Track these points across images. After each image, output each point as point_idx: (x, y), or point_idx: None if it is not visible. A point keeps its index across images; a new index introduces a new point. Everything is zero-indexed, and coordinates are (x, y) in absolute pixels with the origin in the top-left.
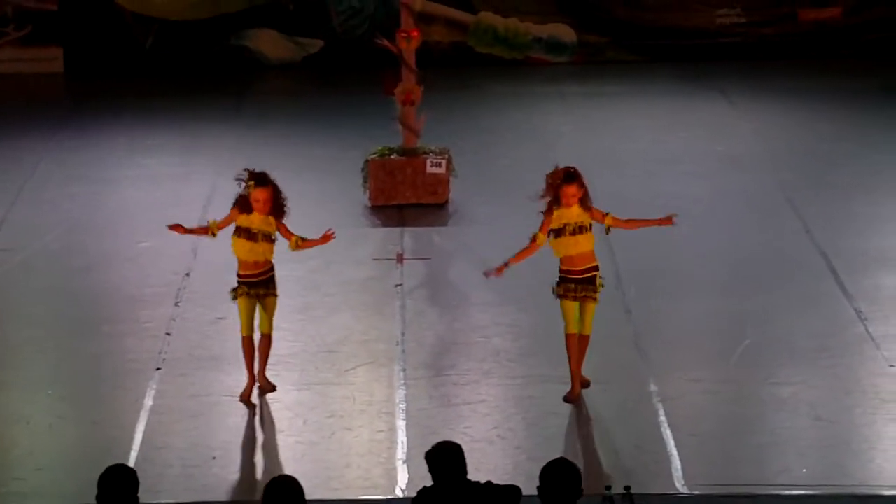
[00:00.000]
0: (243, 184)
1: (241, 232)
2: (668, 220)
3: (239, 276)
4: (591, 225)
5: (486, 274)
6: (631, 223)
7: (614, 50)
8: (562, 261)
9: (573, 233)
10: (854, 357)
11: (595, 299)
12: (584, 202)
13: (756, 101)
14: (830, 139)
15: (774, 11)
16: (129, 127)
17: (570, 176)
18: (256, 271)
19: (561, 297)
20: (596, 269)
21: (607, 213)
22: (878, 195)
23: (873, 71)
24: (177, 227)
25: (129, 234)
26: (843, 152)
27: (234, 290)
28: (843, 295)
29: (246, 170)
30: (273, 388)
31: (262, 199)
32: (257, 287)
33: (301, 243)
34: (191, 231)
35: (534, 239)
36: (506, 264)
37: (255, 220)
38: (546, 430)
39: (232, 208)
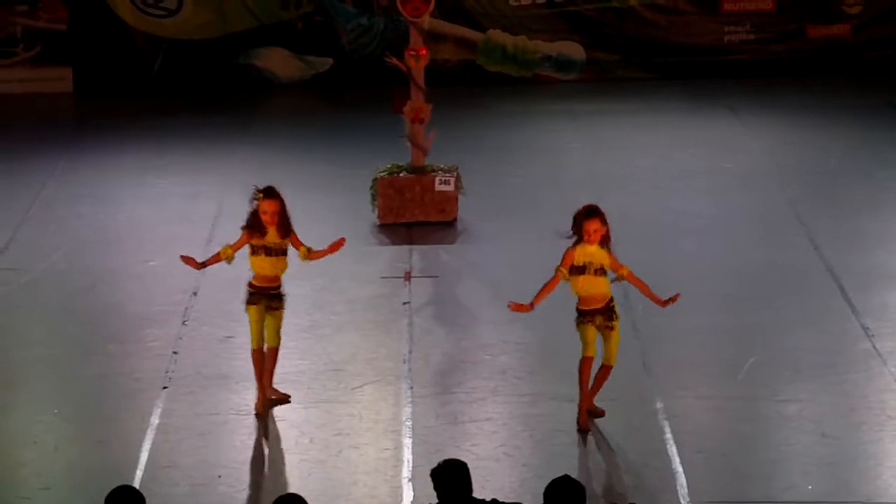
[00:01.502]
0: (254, 199)
1: (258, 250)
2: (670, 301)
3: (253, 286)
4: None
5: (511, 307)
6: (643, 287)
7: (623, 67)
8: (580, 299)
9: (596, 273)
10: (861, 373)
11: (613, 327)
12: (605, 243)
13: (765, 117)
14: (839, 156)
15: (783, 28)
16: (138, 146)
17: (590, 211)
18: (271, 284)
19: (581, 324)
20: (612, 300)
21: (624, 266)
22: (887, 212)
23: (882, 87)
24: (190, 262)
25: (137, 253)
26: (852, 169)
27: (247, 298)
28: (850, 311)
29: (255, 186)
30: (287, 399)
31: (270, 211)
32: (269, 299)
33: (311, 254)
34: (204, 264)
35: (556, 273)
36: (532, 305)
37: (271, 237)
38: (552, 447)
39: (243, 231)
